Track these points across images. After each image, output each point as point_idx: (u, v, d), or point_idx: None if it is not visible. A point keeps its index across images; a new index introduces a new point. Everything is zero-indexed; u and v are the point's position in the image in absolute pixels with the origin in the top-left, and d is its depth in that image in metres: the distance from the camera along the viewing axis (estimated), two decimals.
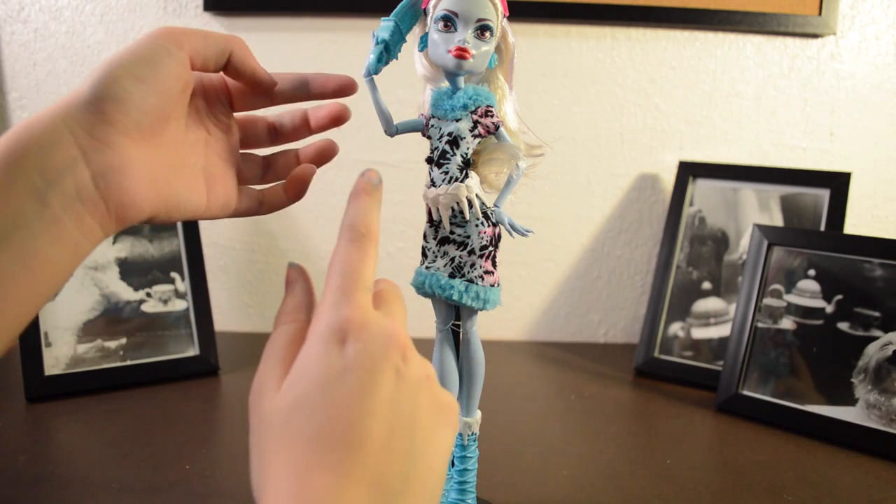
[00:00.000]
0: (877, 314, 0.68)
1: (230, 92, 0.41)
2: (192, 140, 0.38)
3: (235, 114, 0.42)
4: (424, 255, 0.45)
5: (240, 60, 0.38)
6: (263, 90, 0.40)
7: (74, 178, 0.30)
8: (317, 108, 0.43)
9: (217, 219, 0.40)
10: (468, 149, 0.42)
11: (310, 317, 0.31)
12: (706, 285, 0.87)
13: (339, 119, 0.43)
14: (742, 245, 0.86)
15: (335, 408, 0.25)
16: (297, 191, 0.43)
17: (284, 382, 0.27)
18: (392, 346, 0.27)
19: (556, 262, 0.99)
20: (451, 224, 0.43)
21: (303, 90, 0.42)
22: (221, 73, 0.38)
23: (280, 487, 0.24)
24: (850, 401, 0.67)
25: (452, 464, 0.47)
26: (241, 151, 0.43)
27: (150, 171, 0.33)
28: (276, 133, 0.44)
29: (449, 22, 0.40)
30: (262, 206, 0.42)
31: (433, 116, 0.43)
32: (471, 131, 0.42)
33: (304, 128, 0.43)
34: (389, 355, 0.27)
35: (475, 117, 0.42)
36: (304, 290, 0.32)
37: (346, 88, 0.41)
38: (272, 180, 0.44)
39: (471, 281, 0.42)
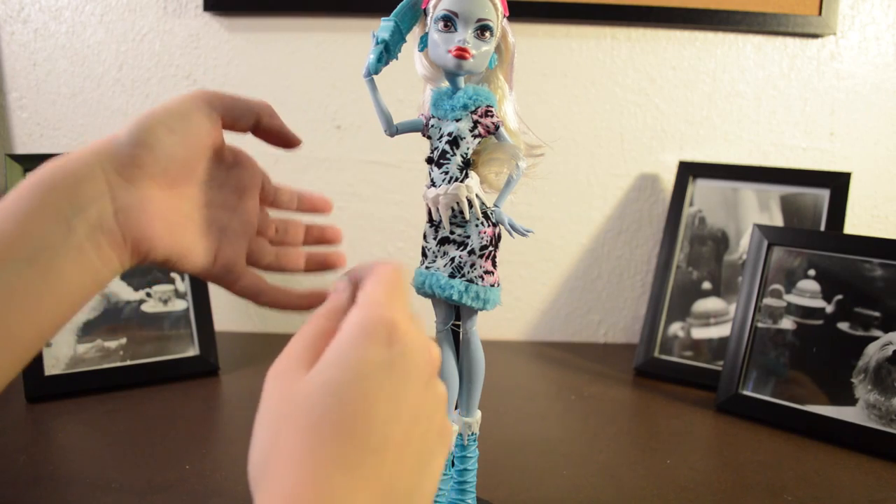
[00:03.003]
0: (877, 314, 0.68)
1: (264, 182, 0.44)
2: (218, 202, 0.40)
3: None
4: (424, 255, 0.45)
5: (267, 121, 0.41)
6: (290, 146, 0.43)
7: (99, 209, 0.32)
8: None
9: (219, 285, 0.41)
10: (468, 149, 0.42)
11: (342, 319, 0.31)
12: (706, 285, 0.87)
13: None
14: (742, 245, 0.86)
15: (367, 402, 0.25)
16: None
17: (317, 366, 0.26)
18: (429, 361, 0.28)
19: (556, 262, 0.99)
20: (451, 224, 0.43)
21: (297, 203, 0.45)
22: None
23: (290, 472, 0.23)
24: (850, 401, 0.67)
25: (452, 464, 0.47)
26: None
27: (168, 215, 0.36)
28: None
29: (449, 22, 0.40)
30: (261, 296, 0.43)
31: (433, 116, 0.43)
32: (471, 131, 0.42)
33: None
34: (425, 369, 0.28)
35: (475, 117, 0.42)
36: (350, 299, 0.32)
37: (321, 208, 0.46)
38: (276, 269, 0.45)
39: (471, 281, 0.42)
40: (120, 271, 0.34)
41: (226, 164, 0.41)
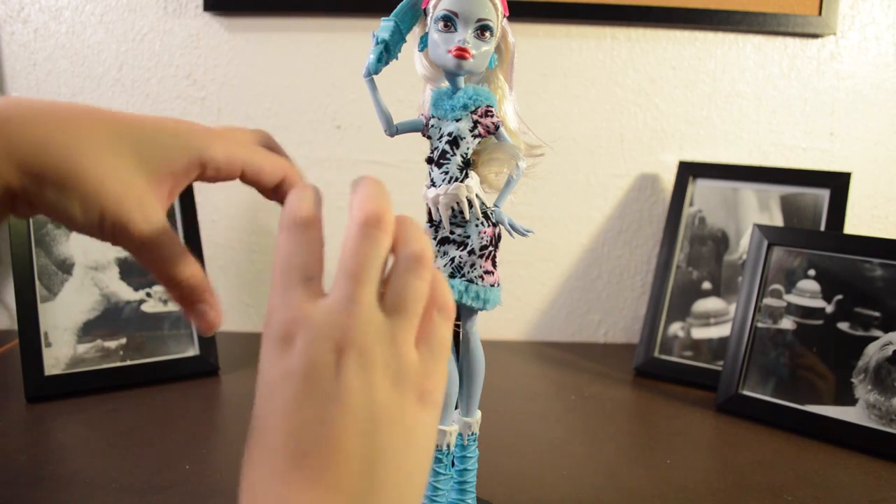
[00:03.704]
0: (877, 314, 0.68)
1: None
2: None
3: None
4: None
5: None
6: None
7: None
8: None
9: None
10: (468, 149, 0.42)
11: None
12: (706, 285, 0.87)
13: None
14: (742, 245, 0.86)
15: (274, 417, 0.24)
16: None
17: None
18: (333, 339, 0.24)
19: (556, 262, 0.99)
20: (451, 224, 0.43)
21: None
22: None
23: (251, 494, 0.24)
24: (850, 401, 0.67)
25: (452, 464, 0.47)
26: None
27: None
28: None
29: (449, 22, 0.40)
30: None
31: (433, 116, 0.43)
32: (471, 131, 0.42)
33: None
34: (326, 349, 0.24)
35: (475, 117, 0.42)
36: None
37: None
38: None
39: (471, 281, 0.42)
40: None
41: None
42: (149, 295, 0.80)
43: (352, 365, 0.24)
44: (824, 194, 0.83)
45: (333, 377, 0.24)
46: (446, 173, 0.42)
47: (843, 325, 0.69)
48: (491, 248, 0.43)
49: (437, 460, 0.45)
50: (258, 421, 0.25)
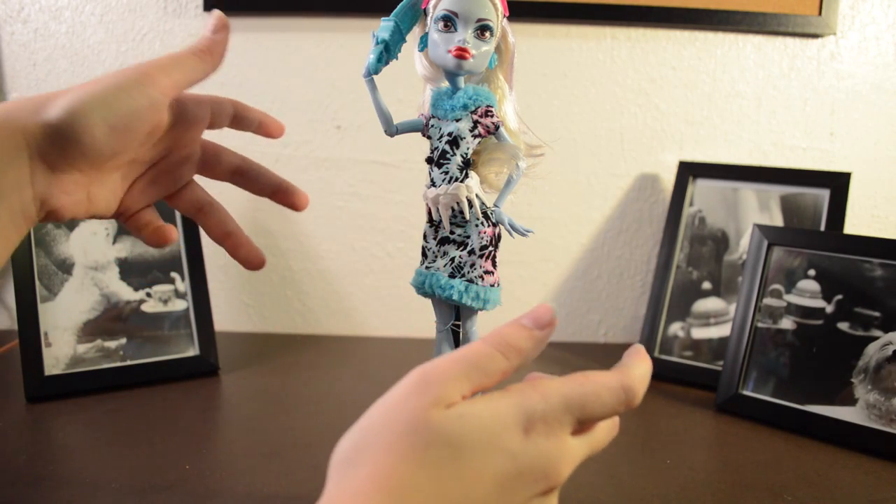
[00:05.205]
0: (877, 314, 0.68)
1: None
2: (145, 160, 0.40)
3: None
4: (424, 255, 0.45)
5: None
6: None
7: (20, 197, 0.32)
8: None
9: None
10: (468, 149, 0.42)
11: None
12: (706, 285, 0.87)
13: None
14: (742, 245, 0.86)
15: (453, 484, 0.25)
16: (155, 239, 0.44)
17: (458, 410, 0.26)
18: (548, 477, 0.27)
19: (556, 262, 0.99)
20: (451, 224, 0.43)
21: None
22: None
23: (380, 482, 0.24)
24: (850, 401, 0.67)
25: None
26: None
27: (88, 191, 0.36)
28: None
29: (449, 22, 0.40)
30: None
31: (433, 116, 0.43)
32: (471, 131, 0.42)
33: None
34: (537, 482, 0.27)
35: (475, 117, 0.42)
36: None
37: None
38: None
39: (471, 281, 0.42)
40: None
41: (165, 131, 0.38)
42: (149, 295, 0.80)
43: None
44: (824, 194, 0.83)
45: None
46: (446, 173, 0.42)
47: (843, 325, 0.69)
48: (491, 248, 0.43)
49: None
50: (437, 459, 0.25)
